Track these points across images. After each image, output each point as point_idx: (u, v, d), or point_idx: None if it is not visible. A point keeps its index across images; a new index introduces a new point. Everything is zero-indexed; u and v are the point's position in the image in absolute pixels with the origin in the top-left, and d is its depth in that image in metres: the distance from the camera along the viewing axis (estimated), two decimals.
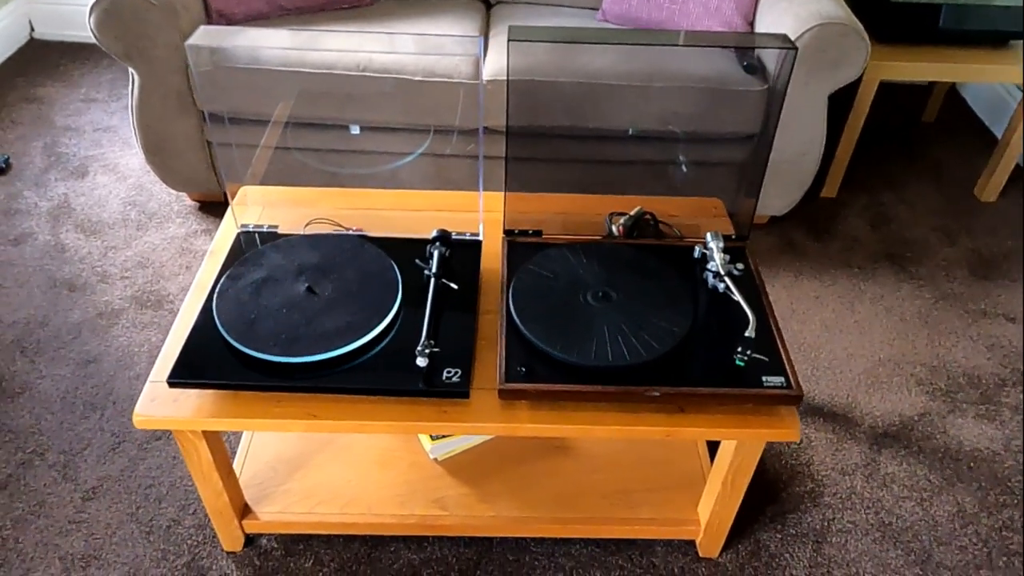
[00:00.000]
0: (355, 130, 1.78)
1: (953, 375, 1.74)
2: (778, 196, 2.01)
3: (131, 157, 2.30)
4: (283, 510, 1.32)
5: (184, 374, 1.05)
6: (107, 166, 2.26)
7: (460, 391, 1.05)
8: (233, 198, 1.38)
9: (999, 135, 2.56)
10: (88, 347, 1.71)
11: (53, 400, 1.60)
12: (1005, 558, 1.39)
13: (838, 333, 1.83)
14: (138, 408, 1.06)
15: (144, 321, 1.78)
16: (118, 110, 2.51)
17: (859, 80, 2.00)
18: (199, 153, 1.94)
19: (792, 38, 1.74)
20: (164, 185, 2.15)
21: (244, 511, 1.32)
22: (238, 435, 1.52)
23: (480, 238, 1.30)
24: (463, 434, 1.39)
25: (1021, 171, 2.40)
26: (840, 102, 2.09)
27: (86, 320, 1.78)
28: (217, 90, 1.77)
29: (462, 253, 1.26)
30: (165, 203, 2.13)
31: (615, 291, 1.17)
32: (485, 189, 1.34)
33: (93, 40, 1.73)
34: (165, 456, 1.50)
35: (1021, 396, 1.69)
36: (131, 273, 1.91)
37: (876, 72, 2.03)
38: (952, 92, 2.81)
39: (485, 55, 1.92)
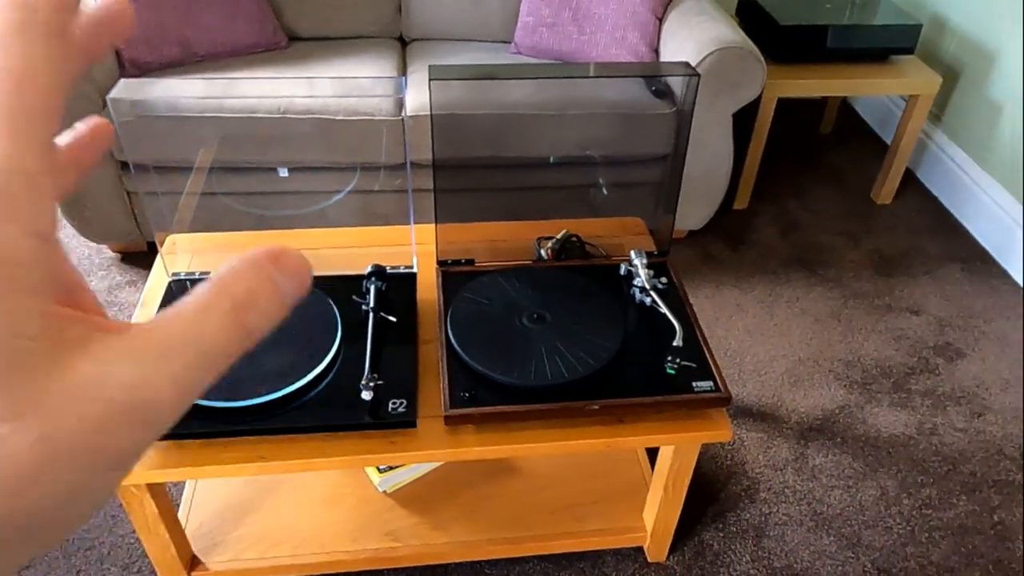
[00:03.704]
0: (283, 172, 1.79)
1: (867, 368, 1.86)
2: (694, 211, 2.11)
3: None
4: (234, 558, 1.31)
5: None
6: None
7: (407, 421, 1.08)
8: (162, 247, 1.37)
9: (889, 142, 2.76)
10: None
11: None
12: (927, 534, 1.50)
13: (760, 337, 1.93)
14: None
15: None
16: None
17: (759, 98, 2.13)
18: (118, 204, 1.91)
19: (694, 63, 1.85)
20: (82, 239, 2.10)
21: (192, 563, 1.29)
22: (180, 485, 1.49)
23: (414, 270, 1.33)
24: (413, 463, 1.40)
25: (912, 175, 2.59)
26: (744, 119, 2.22)
27: None
28: (139, 140, 1.76)
29: (398, 286, 1.29)
30: (85, 256, 2.08)
31: (549, 312, 1.22)
32: (414, 222, 1.38)
33: None
34: (103, 516, 1.45)
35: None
36: None
37: (774, 90, 2.17)
38: (845, 105, 3.01)
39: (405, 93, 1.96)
